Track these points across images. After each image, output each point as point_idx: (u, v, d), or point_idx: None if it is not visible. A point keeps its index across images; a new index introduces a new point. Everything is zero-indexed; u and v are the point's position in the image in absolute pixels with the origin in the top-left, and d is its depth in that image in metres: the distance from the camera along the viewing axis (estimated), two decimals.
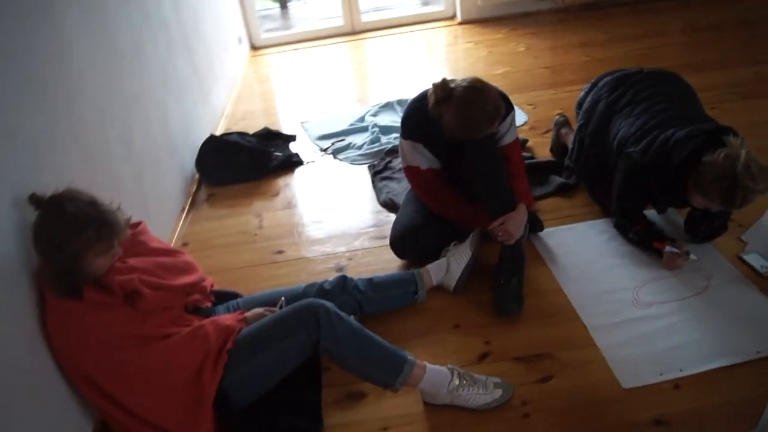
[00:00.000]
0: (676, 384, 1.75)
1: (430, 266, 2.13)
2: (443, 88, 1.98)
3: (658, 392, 1.73)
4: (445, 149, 2.16)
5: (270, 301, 1.86)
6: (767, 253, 2.17)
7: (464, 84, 1.96)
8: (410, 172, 2.26)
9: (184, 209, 2.79)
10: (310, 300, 1.65)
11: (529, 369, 1.83)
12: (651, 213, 2.40)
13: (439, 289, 2.14)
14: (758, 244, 2.23)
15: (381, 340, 1.66)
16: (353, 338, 1.62)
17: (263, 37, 4.97)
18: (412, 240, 2.24)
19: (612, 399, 1.72)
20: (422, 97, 2.12)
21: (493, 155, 2.07)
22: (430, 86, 2.05)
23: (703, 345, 1.86)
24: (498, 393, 1.69)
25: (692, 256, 2.11)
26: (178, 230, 2.65)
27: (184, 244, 2.58)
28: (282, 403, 1.69)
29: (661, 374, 1.78)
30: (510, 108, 2.12)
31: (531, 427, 1.66)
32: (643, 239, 2.21)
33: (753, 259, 2.15)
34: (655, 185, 2.10)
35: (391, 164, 2.93)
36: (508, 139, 2.16)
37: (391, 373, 1.61)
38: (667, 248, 2.12)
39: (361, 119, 3.43)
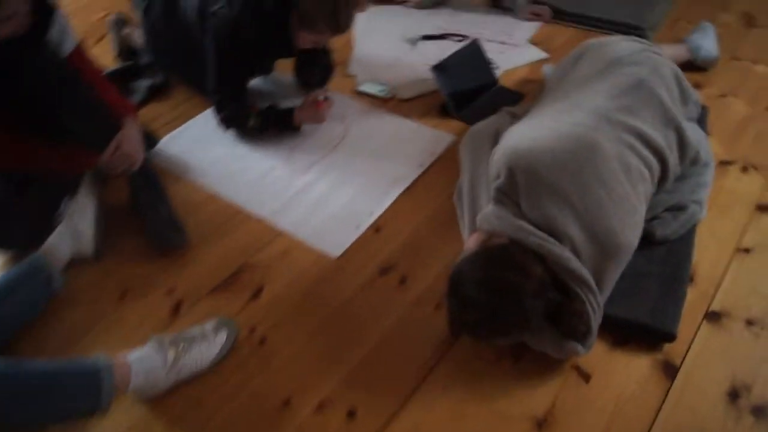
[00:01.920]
0: (376, 228, 1.68)
1: (50, 240, 1.57)
2: None
3: (368, 243, 1.63)
4: None
5: None
6: (376, 78, 2.20)
7: None
8: None
9: None
10: None
11: (235, 292, 1.53)
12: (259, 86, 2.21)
13: (78, 262, 1.61)
14: (365, 72, 2.25)
15: (50, 363, 1.14)
16: (14, 384, 1.07)
17: None
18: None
19: (332, 273, 1.56)
20: None
21: (61, 71, 1.55)
22: None
23: (375, 183, 1.81)
24: (223, 335, 1.36)
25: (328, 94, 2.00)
26: None
27: None
28: None
29: (358, 227, 1.68)
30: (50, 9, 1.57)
31: (273, 349, 1.39)
32: (272, 120, 1.96)
33: (369, 88, 2.16)
34: (254, 39, 1.84)
35: None
36: (68, 47, 1.63)
37: (90, 395, 1.13)
38: (322, 98, 1.96)
39: None
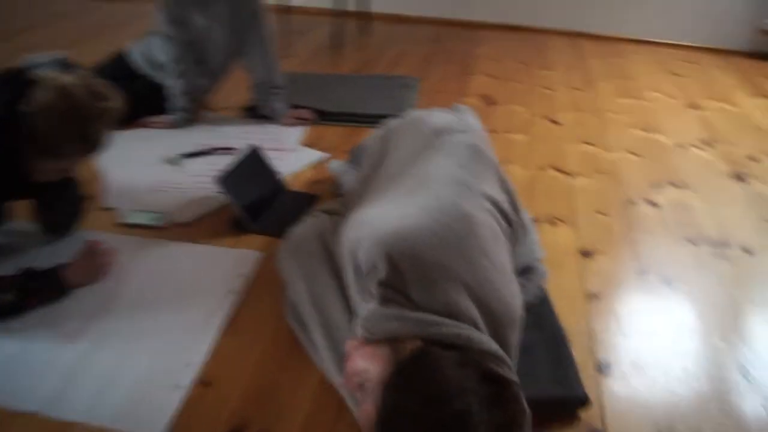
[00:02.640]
0: (204, 382, 1.27)
1: None
2: None
3: (200, 405, 1.22)
4: None
5: None
6: (143, 206, 1.82)
7: None
8: None
9: None
10: None
11: None
12: None
13: None
14: (127, 201, 1.85)
15: None
16: None
17: None
18: None
19: None
20: None
21: None
22: None
23: (182, 326, 1.41)
24: None
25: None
26: None
27: None
28: None
29: (177, 387, 1.25)
30: None
31: None
32: (34, 288, 1.43)
33: (138, 218, 1.76)
34: None
35: None
36: None
37: None
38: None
39: None
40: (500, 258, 1.23)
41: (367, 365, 1.04)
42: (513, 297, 1.18)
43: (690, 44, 3.87)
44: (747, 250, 1.81)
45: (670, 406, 1.26)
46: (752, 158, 2.41)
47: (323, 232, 1.46)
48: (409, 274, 1.09)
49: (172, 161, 2.08)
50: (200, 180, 1.97)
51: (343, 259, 1.32)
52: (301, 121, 2.43)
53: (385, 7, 3.99)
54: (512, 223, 1.39)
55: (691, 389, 1.31)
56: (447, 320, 1.06)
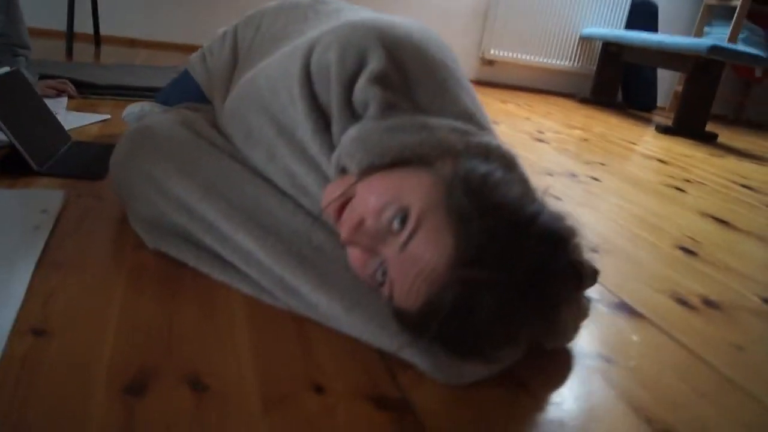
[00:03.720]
0: (34, 330, 0.71)
1: None
2: None
3: (40, 355, 0.66)
4: None
5: None
6: None
7: None
8: None
9: None
10: None
11: None
12: None
13: None
14: None
15: None
16: None
17: None
18: None
19: None
20: None
21: None
22: None
23: None
24: None
25: None
26: None
27: None
28: None
29: None
30: None
31: None
32: None
33: None
34: None
35: None
36: None
37: None
38: None
39: None
40: None
41: (395, 195, 0.66)
42: None
43: None
44: (594, 178, 1.82)
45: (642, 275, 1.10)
46: (539, 131, 2.55)
47: (191, 122, 1.00)
48: (413, 67, 0.76)
49: None
50: None
51: (245, 130, 0.91)
52: (57, 92, 1.83)
53: (117, 31, 3.49)
54: None
55: (648, 261, 1.18)
56: (475, 128, 0.75)
